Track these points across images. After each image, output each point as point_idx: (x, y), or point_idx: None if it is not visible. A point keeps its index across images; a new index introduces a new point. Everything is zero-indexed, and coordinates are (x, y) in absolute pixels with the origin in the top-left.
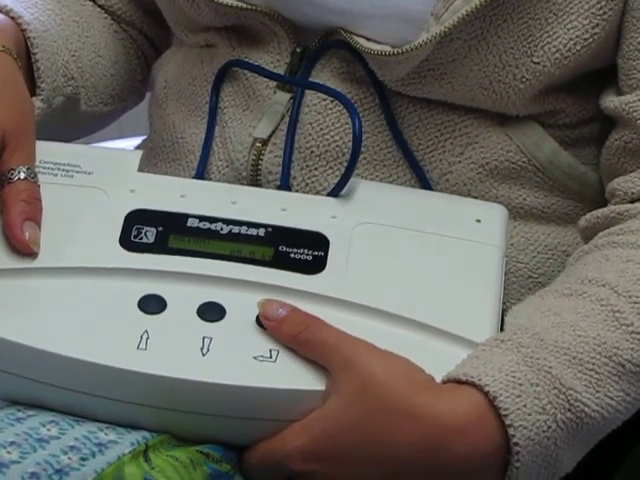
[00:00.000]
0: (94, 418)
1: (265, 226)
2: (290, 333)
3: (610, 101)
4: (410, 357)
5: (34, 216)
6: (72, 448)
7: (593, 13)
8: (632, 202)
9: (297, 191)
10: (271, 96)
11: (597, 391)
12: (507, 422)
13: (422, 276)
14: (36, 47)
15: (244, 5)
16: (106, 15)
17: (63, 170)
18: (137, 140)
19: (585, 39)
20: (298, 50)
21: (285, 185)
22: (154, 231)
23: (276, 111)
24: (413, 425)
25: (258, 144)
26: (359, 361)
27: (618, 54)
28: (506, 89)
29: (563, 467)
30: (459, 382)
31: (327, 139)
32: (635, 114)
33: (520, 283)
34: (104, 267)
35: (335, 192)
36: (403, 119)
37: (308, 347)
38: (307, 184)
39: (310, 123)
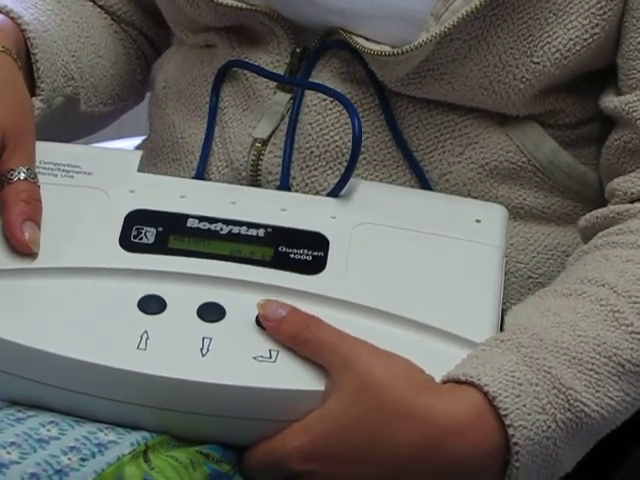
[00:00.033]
0: (94, 418)
1: (265, 226)
2: (289, 333)
3: (610, 101)
4: (410, 357)
5: (34, 216)
6: (72, 448)
7: (593, 13)
8: (632, 202)
9: (297, 191)
10: (271, 96)
11: (597, 391)
12: (507, 422)
13: (422, 276)
14: (36, 47)
15: (244, 5)
16: (106, 15)
17: (63, 170)
18: (137, 140)
19: (585, 39)
20: (298, 50)
21: (285, 185)
22: (154, 231)
23: (276, 111)
24: (413, 425)
25: (258, 144)
26: (359, 361)
27: (618, 54)
28: (506, 89)
29: (563, 467)
30: (459, 382)
31: (327, 139)
32: (635, 114)
33: (520, 283)
34: (104, 267)
35: (335, 192)
36: (403, 119)
37: (307, 347)
38: (307, 184)
39: (310, 123)
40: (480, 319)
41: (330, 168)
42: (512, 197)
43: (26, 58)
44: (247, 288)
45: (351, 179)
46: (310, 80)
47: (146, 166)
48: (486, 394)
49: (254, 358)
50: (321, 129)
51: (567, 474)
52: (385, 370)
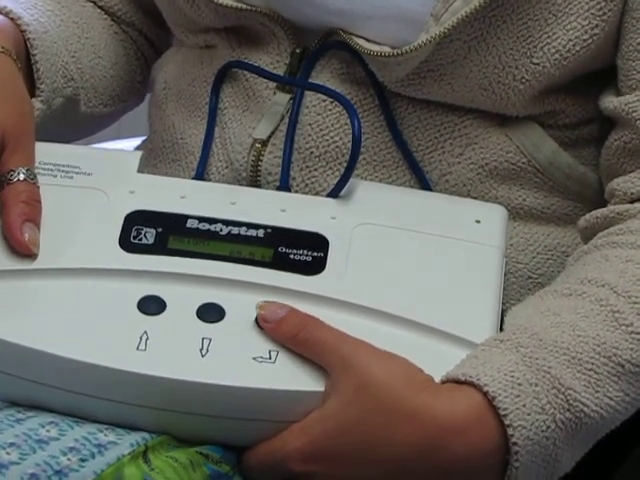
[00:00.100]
0: (94, 419)
1: (265, 227)
2: (289, 333)
3: (610, 102)
4: (409, 358)
5: (33, 217)
6: (72, 449)
7: (592, 14)
8: (631, 202)
9: (297, 192)
10: (271, 97)
11: (596, 391)
12: (506, 422)
13: (422, 277)
14: (36, 48)
15: (244, 6)
16: (106, 16)
17: (62, 171)
18: (136, 141)
19: (584, 40)
20: (298, 51)
21: (285, 186)
22: (154, 232)
23: (276, 112)
24: (412, 425)
25: (258, 145)
26: (358, 361)
27: (617, 55)
28: (506, 90)
29: (562, 467)
30: (458, 382)
31: (327, 140)
32: (635, 114)
33: (520, 283)
34: (104, 268)
35: (335, 193)
36: (403, 120)
37: (307, 347)
38: (307, 185)
39: (310, 124)
40: (480, 319)
41: (330, 169)
42: (512, 197)
43: (26, 59)
44: (247, 289)
45: (351, 180)
46: (310, 81)
47: (146, 167)
48: (485, 394)
49: (254, 359)
50: (321, 130)
51: (567, 474)
52: (384, 370)
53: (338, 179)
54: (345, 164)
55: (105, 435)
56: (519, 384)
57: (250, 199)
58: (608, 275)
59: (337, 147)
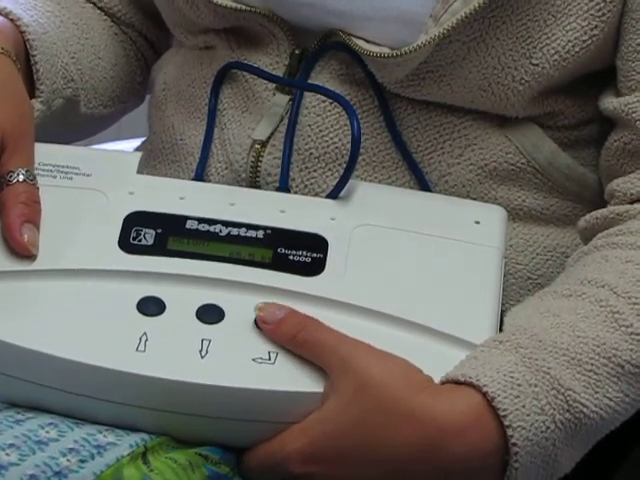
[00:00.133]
0: (93, 420)
1: (264, 228)
2: (288, 334)
3: (609, 102)
4: (409, 359)
5: (33, 218)
6: (71, 450)
7: (592, 15)
8: (631, 203)
9: (296, 193)
10: (270, 98)
11: (596, 392)
12: (506, 423)
13: (421, 278)
14: (35, 49)
15: (243, 7)
16: (106, 17)
17: (62, 172)
18: (136, 142)
19: (584, 41)
20: (297, 52)
21: (284, 187)
22: (153, 233)
23: (275, 113)
24: (412, 426)
25: (257, 146)
26: (357, 362)
27: (617, 56)
28: (505, 91)
29: (562, 468)
30: (458, 383)
31: (326, 141)
32: (634, 115)
33: (519, 284)
34: (103, 269)
35: (334, 194)
36: (402, 121)
37: (306, 348)
38: (306, 186)
39: (309, 125)
40: (479, 320)
41: (329, 169)
42: (511, 198)
43: (25, 60)
44: (246, 290)
45: (350, 180)
46: (309, 82)
47: (145, 168)
48: (485, 395)
49: (253, 360)
50: (320, 130)
51: (566, 475)
52: (384, 371)
53: (337, 180)
54: (344, 165)
55: (104, 436)
56: (519, 385)
57: (249, 200)
58: (608, 276)
59: (336, 148)
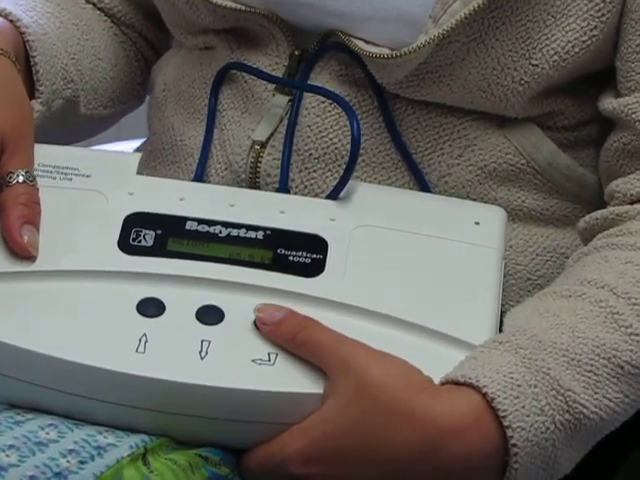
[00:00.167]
0: (93, 421)
1: (264, 229)
2: (287, 335)
3: (609, 103)
4: (408, 359)
5: (33, 219)
6: (71, 451)
7: (591, 15)
8: (631, 204)
9: (296, 193)
10: (270, 99)
11: (595, 392)
12: (505, 423)
13: (421, 278)
14: (35, 50)
15: (242, 7)
16: (106, 18)
17: (62, 173)
18: (136, 143)
19: (583, 41)
20: (296, 53)
21: (284, 188)
22: (153, 234)
23: (275, 114)
24: (411, 426)
25: (257, 147)
26: (357, 363)
27: (616, 56)
28: (504, 91)
29: (561, 468)
30: (457, 383)
31: (326, 141)
32: (634, 116)
33: (519, 285)
34: (103, 270)
35: (334, 195)
36: (402, 121)
37: (305, 349)
38: (306, 186)
39: (309, 126)
40: (479, 321)
41: (329, 170)
42: (511, 199)
43: (25, 61)
44: (246, 291)
45: (350, 181)
46: (309, 82)
47: (145, 168)
48: (485, 395)
49: (253, 361)
50: (320, 131)
51: (566, 475)
52: (383, 371)
53: (337, 181)
54: (344, 166)
55: (104, 437)
56: (518, 385)
57: (249, 201)
58: (608, 276)
59: (336, 149)
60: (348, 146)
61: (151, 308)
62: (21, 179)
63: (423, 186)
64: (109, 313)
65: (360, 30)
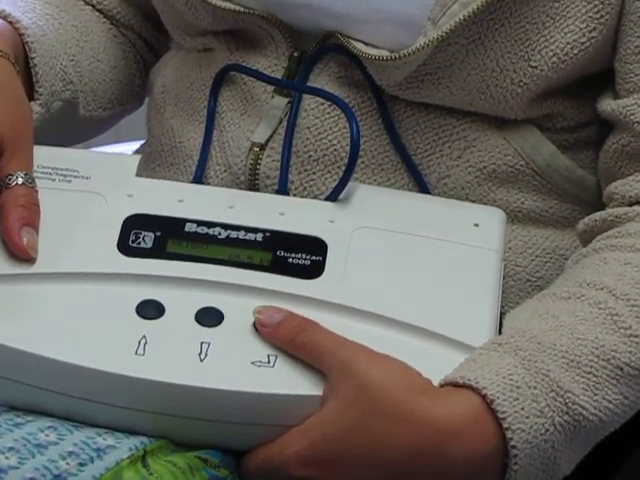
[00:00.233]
0: (92, 423)
1: (263, 231)
2: (287, 337)
3: (607, 104)
4: (408, 361)
5: (32, 221)
6: (70, 453)
7: (590, 17)
8: (630, 205)
9: (295, 195)
10: (269, 100)
11: (595, 394)
12: (505, 425)
13: (420, 280)
14: (34, 52)
15: (241, 9)
16: (105, 19)
17: (61, 175)
18: (135, 145)
19: (582, 43)
20: (296, 54)
21: (283, 189)
22: (152, 236)
23: (274, 115)
24: (411, 428)
25: (256, 148)
26: (357, 365)
27: (615, 58)
28: (504, 93)
29: (561, 470)
30: (456, 385)
31: (325, 143)
32: (632, 117)
33: (518, 287)
34: (102, 272)
35: (333, 196)
36: (401, 123)
37: (305, 351)
38: (305, 188)
39: (308, 127)
40: (478, 323)
41: (328, 172)
42: (510, 200)
43: (24, 62)
44: (245, 293)
45: (349, 183)
46: (308, 84)
47: (144, 170)
48: (484, 397)
49: (252, 363)
50: (319, 133)
51: (566, 477)
52: (383, 373)
53: (336, 182)
54: (343, 167)
55: (104, 439)
56: (518, 387)
57: (248, 203)
58: (607, 278)
59: (335, 150)
60: (347, 148)
61: (150, 310)
62: (20, 181)
63: (422, 188)
64: (108, 315)
65: (359, 32)
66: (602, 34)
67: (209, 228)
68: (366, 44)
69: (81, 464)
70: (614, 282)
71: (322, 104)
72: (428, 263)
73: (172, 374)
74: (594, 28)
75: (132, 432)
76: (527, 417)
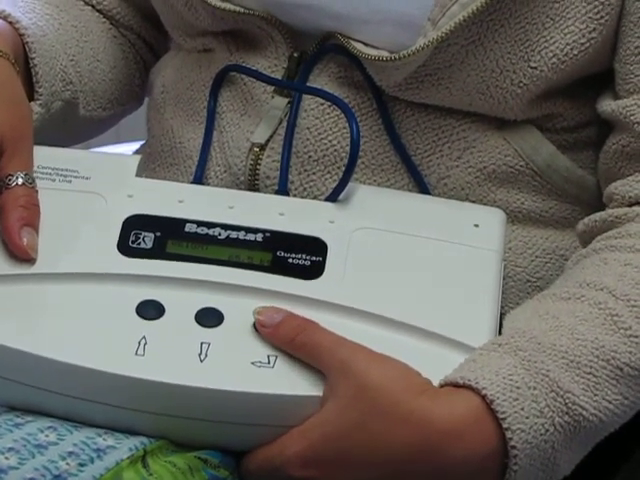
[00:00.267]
0: (92, 424)
1: (263, 231)
2: (286, 337)
3: (607, 105)
4: (407, 362)
5: (32, 222)
6: (70, 454)
7: (590, 18)
8: (630, 206)
9: (295, 196)
10: (269, 101)
11: (595, 394)
12: (505, 425)
13: (420, 281)
14: (34, 52)
15: (241, 10)
16: (105, 20)
17: (61, 175)
18: (135, 145)
19: (582, 44)
20: (295, 55)
21: (283, 190)
22: (152, 236)
23: (274, 116)
24: (410, 428)
25: (256, 149)
26: (356, 365)
27: (615, 58)
28: (503, 94)
29: (561, 470)
30: (456, 386)
31: (325, 144)
32: (632, 118)
33: (518, 287)
34: (102, 273)
35: (333, 197)
36: (401, 124)
37: (305, 351)
38: (305, 189)
39: (308, 128)
40: (478, 323)
41: (328, 172)
42: (510, 201)
43: (24, 62)
44: (245, 293)
45: (349, 183)
46: (308, 85)
47: (144, 171)
48: (484, 397)
49: (252, 363)
50: (319, 133)
51: (565, 477)
52: (382, 373)
53: (336, 183)
54: (343, 168)
55: (104, 439)
56: (517, 387)
57: (248, 203)
58: (607, 279)
59: (335, 151)
60: (347, 148)
61: (150, 310)
62: (20, 181)
63: (422, 188)
64: (108, 316)
65: (359, 32)
66: (602, 35)
67: (209, 228)
68: (366, 45)
69: (81, 464)
70: (614, 282)
71: (322, 104)
72: (428, 263)
73: (172, 374)
74: (594, 29)
75: (132, 432)
76: (527, 417)
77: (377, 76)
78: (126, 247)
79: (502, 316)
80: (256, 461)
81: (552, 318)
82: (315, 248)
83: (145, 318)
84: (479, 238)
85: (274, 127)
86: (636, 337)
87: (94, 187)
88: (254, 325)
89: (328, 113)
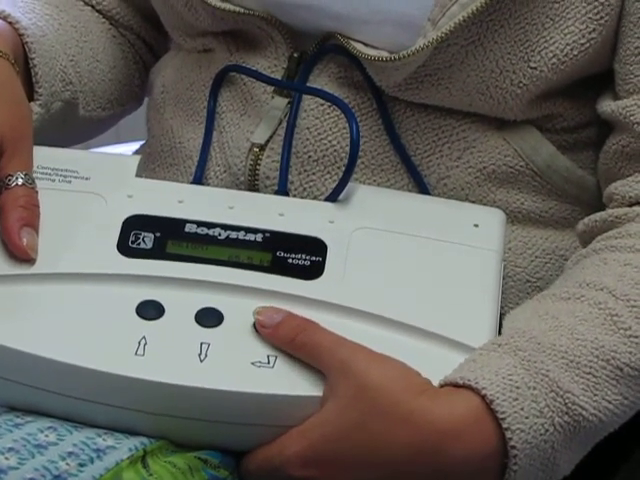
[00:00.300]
0: (92, 424)
1: (263, 231)
2: (286, 337)
3: (607, 105)
4: (407, 362)
5: (32, 222)
6: (70, 454)
7: (590, 18)
8: (630, 206)
9: (295, 196)
10: (269, 101)
11: (595, 394)
12: (504, 425)
13: (420, 281)
14: (34, 52)
15: (241, 10)
16: (104, 20)
17: (61, 175)
18: (135, 145)
19: (582, 44)
20: (295, 55)
21: (283, 190)
22: (152, 237)
23: (274, 116)
24: (410, 428)
25: (256, 149)
26: (356, 365)
27: (615, 59)
28: (503, 94)
29: (560, 470)
30: (456, 386)
31: (325, 144)
32: (632, 118)
33: (518, 287)
34: (102, 273)
35: (333, 197)
36: (400, 124)
37: (305, 351)
38: (305, 189)
39: (308, 128)
40: (478, 323)
41: (328, 173)
42: (510, 201)
43: (24, 63)
44: (245, 293)
45: (349, 184)
46: (308, 85)
47: (144, 171)
48: (484, 397)
49: (252, 363)
50: (319, 134)
51: (565, 477)
52: (382, 374)
53: (336, 183)
54: (343, 168)
55: (104, 440)
56: (517, 387)
57: (248, 203)
58: (607, 279)
59: (335, 151)
60: (347, 148)
61: (150, 311)
62: (20, 182)
63: (422, 188)
64: (108, 316)
65: (359, 33)
66: (602, 35)
67: (209, 229)
68: (366, 45)
69: (81, 464)
70: (614, 283)
71: (322, 105)
72: (428, 264)
73: (172, 375)
74: (594, 29)
75: (132, 433)
76: (527, 417)
77: (377, 76)
78: (126, 247)
79: (502, 316)
80: (256, 461)
81: (552, 318)
82: (315, 248)
83: (145, 318)
84: (479, 238)
85: (274, 127)
86: (636, 337)
87: (94, 187)
88: (254, 325)
89: (328, 113)
